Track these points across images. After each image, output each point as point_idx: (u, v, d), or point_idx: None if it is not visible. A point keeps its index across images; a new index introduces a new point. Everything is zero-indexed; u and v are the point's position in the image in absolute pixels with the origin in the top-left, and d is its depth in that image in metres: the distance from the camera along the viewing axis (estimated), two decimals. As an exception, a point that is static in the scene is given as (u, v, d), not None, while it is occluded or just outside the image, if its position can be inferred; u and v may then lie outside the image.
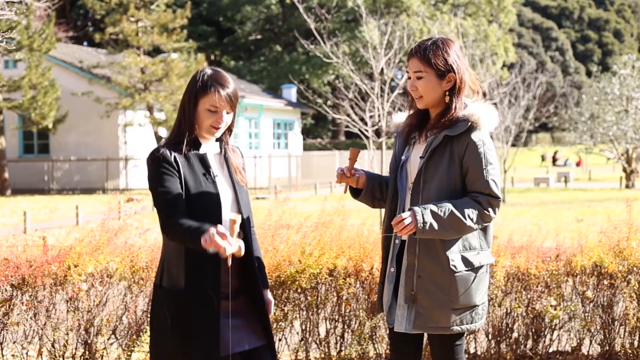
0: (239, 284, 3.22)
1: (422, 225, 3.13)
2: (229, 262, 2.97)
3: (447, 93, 3.29)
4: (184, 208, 3.11)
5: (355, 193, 3.50)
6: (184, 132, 3.22)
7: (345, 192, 3.54)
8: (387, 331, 4.84)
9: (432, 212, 3.15)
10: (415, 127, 3.41)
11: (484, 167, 3.22)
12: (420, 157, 3.30)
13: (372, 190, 3.46)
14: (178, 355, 3.18)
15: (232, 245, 2.89)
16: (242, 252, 2.94)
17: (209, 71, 3.24)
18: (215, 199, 3.17)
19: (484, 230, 3.33)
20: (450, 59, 3.26)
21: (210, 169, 3.22)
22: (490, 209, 3.22)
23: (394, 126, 3.53)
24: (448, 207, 3.17)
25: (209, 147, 3.29)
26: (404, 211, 3.33)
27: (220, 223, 3.14)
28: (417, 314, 3.27)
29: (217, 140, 3.32)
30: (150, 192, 3.17)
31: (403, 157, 3.39)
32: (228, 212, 3.20)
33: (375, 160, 14.18)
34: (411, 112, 3.44)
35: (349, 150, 3.50)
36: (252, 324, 3.25)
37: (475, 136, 3.23)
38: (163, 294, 3.23)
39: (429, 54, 3.26)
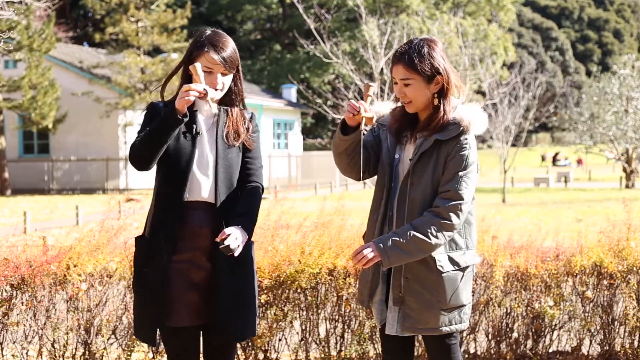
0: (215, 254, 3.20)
1: (386, 256, 3.13)
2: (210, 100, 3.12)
3: (435, 95, 3.24)
4: None
5: (346, 131, 3.26)
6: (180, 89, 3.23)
7: (362, 125, 3.25)
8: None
9: (393, 241, 3.13)
10: (405, 125, 3.34)
11: (461, 168, 3.18)
12: (410, 160, 3.28)
13: (362, 146, 3.26)
14: (137, 314, 3.23)
15: (204, 88, 3.06)
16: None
17: (208, 31, 3.26)
18: (188, 155, 3.18)
19: (468, 228, 3.30)
20: (435, 62, 3.20)
21: (194, 127, 3.22)
22: (452, 215, 3.15)
23: (375, 114, 3.39)
24: (409, 232, 3.13)
25: (206, 107, 3.28)
26: (392, 211, 3.31)
27: (187, 178, 3.17)
28: (406, 316, 3.26)
29: (223, 104, 3.30)
30: None
31: (397, 156, 3.34)
32: (204, 170, 3.21)
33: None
34: (398, 108, 3.36)
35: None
36: (207, 299, 3.20)
37: (463, 138, 3.21)
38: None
39: (414, 60, 3.18)
